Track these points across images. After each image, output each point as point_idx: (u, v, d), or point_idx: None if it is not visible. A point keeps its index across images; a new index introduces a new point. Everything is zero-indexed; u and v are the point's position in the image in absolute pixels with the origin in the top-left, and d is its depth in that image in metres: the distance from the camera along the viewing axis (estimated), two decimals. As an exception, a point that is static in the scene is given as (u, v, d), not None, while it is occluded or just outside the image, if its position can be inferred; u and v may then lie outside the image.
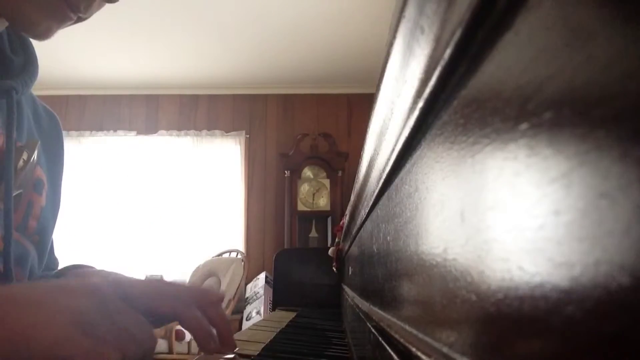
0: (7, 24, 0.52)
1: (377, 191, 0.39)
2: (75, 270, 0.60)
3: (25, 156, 0.54)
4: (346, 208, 1.10)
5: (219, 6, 2.65)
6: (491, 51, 0.13)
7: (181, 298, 0.42)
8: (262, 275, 3.20)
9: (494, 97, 0.13)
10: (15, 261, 0.51)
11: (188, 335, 2.51)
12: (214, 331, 0.44)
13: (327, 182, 3.38)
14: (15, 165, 0.52)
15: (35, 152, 0.56)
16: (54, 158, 0.64)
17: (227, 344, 0.44)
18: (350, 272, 0.96)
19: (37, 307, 0.33)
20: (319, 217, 3.39)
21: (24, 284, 0.37)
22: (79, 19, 0.49)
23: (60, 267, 0.69)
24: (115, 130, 3.69)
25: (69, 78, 3.50)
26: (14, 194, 0.51)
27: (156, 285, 0.43)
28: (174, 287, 0.44)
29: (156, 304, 0.41)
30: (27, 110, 0.58)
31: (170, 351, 2.46)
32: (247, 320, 2.97)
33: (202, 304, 0.44)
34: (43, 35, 0.47)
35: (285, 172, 3.41)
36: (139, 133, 3.69)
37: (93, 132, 3.67)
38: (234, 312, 2.92)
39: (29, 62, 0.57)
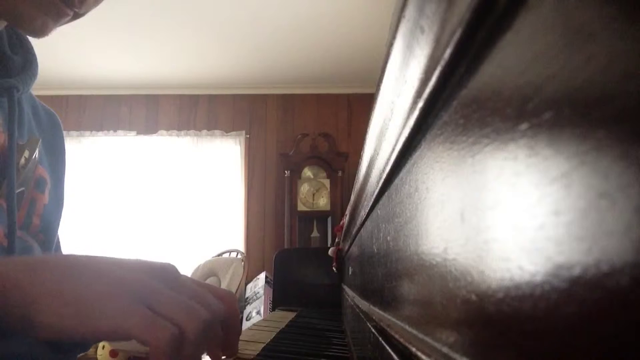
0: (5, 23, 0.52)
1: (377, 191, 0.39)
2: None
3: (26, 154, 0.54)
4: (346, 208, 1.10)
5: (219, 6, 2.65)
6: (491, 51, 0.13)
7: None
8: (262, 275, 3.20)
9: (494, 97, 0.13)
10: None
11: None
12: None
13: (327, 182, 3.38)
14: (17, 163, 0.52)
15: (37, 151, 0.56)
16: (56, 156, 0.64)
17: (230, 347, 0.44)
18: (350, 272, 0.96)
19: (97, 277, 0.33)
20: (319, 217, 3.39)
21: (78, 254, 0.37)
22: (76, 15, 0.49)
23: None
24: (115, 130, 3.69)
25: (69, 78, 3.50)
26: (16, 192, 0.51)
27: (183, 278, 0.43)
28: (202, 285, 0.43)
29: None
30: (27, 109, 0.59)
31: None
32: (247, 320, 2.97)
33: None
34: (39, 31, 0.47)
35: (285, 172, 3.41)
36: (139, 133, 3.69)
37: (93, 132, 3.67)
38: (234, 312, 2.91)
39: (29, 62, 0.57)
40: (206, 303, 0.37)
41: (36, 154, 0.56)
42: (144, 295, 0.33)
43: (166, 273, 0.37)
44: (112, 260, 0.36)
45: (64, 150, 0.67)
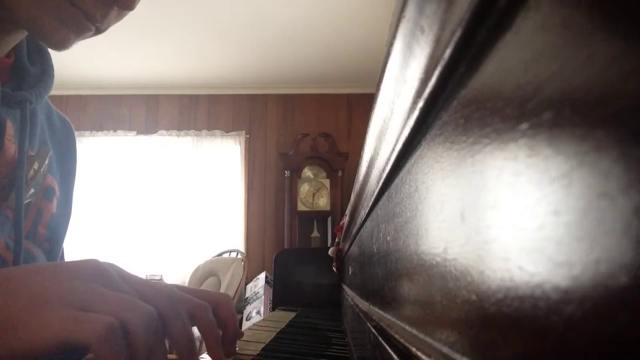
0: (26, 33, 0.53)
1: (377, 191, 0.39)
2: None
3: (36, 166, 0.55)
4: (346, 208, 1.10)
5: (219, 6, 2.65)
6: (491, 51, 0.13)
7: (198, 300, 0.41)
8: (262, 275, 3.20)
9: (494, 97, 0.13)
10: None
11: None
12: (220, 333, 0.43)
13: (327, 182, 3.38)
14: (26, 175, 0.52)
15: (46, 161, 0.56)
16: (67, 166, 0.64)
17: (227, 348, 0.44)
18: (350, 272, 0.96)
19: (18, 290, 0.31)
20: (319, 217, 3.39)
21: (6, 268, 0.35)
22: (98, 31, 0.49)
23: None
24: (115, 130, 3.69)
25: (69, 78, 3.50)
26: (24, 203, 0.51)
27: (173, 288, 0.42)
28: (190, 290, 0.43)
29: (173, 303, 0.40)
30: (41, 118, 0.59)
31: (170, 351, 2.46)
32: (247, 320, 2.97)
33: (215, 305, 0.43)
34: (60, 44, 0.47)
35: (285, 172, 3.41)
36: (139, 133, 3.69)
37: (93, 132, 3.67)
38: (234, 312, 2.91)
39: (46, 73, 0.58)
40: (148, 298, 0.35)
41: (46, 163, 0.56)
42: (73, 298, 0.31)
43: (102, 272, 0.35)
44: (40, 268, 0.34)
45: (76, 159, 0.67)
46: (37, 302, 0.30)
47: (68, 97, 3.68)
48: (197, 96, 3.75)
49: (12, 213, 0.51)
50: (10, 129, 0.51)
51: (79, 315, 0.30)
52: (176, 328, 0.36)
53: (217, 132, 3.67)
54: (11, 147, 0.51)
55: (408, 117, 0.22)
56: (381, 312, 0.38)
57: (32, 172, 0.54)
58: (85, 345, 0.29)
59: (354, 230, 0.76)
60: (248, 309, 3.08)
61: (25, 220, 0.52)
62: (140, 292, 0.36)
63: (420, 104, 0.20)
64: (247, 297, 3.17)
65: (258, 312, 2.95)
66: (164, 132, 3.69)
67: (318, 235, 3.39)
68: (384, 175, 0.33)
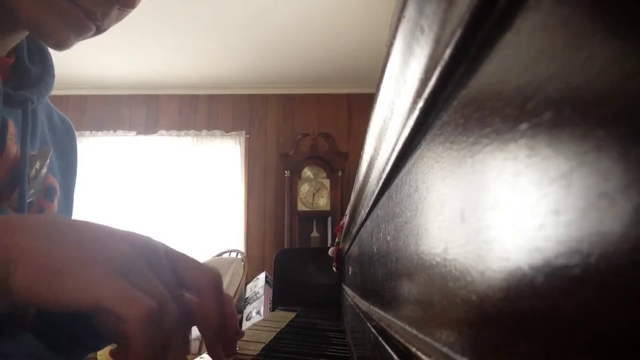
0: (27, 33, 0.53)
1: (377, 191, 0.39)
2: None
3: (37, 165, 0.55)
4: (346, 208, 1.10)
5: (219, 6, 2.65)
6: (491, 51, 0.13)
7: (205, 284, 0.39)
8: (262, 275, 3.20)
9: (494, 97, 0.13)
10: None
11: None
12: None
13: (327, 182, 3.38)
14: (28, 175, 0.52)
15: (47, 161, 0.56)
16: (67, 166, 0.65)
17: (228, 348, 0.44)
18: (350, 272, 0.96)
19: (76, 241, 0.30)
20: (319, 217, 3.39)
21: (66, 217, 0.34)
22: (98, 30, 0.49)
23: None
24: (115, 130, 3.69)
25: (69, 78, 3.50)
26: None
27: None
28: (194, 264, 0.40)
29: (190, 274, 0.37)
30: (42, 118, 0.59)
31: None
32: (247, 320, 2.97)
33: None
34: (61, 44, 0.47)
35: (285, 172, 3.41)
36: (139, 133, 3.69)
37: (93, 132, 3.67)
38: (234, 312, 2.91)
39: (46, 73, 0.58)
40: (189, 284, 0.35)
41: (47, 163, 0.56)
42: (124, 268, 0.30)
43: (152, 251, 0.34)
44: (100, 226, 0.33)
45: (76, 159, 0.68)
46: (91, 258, 0.30)
47: (68, 97, 3.68)
48: (197, 96, 3.75)
49: (14, 212, 0.51)
50: (12, 129, 0.51)
51: (128, 290, 0.29)
52: (209, 320, 0.36)
53: (217, 132, 3.67)
54: (13, 147, 0.51)
55: (408, 117, 0.22)
56: (381, 312, 0.38)
57: (33, 172, 0.54)
58: (121, 319, 0.29)
59: (354, 230, 0.76)
60: (248, 309, 3.08)
61: None
62: (181, 278, 0.35)
63: (420, 104, 0.20)
64: (247, 297, 3.17)
65: (258, 312, 2.95)
66: (164, 132, 3.69)
67: (317, 235, 3.39)
68: (384, 175, 0.33)
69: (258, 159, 3.68)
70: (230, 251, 3.18)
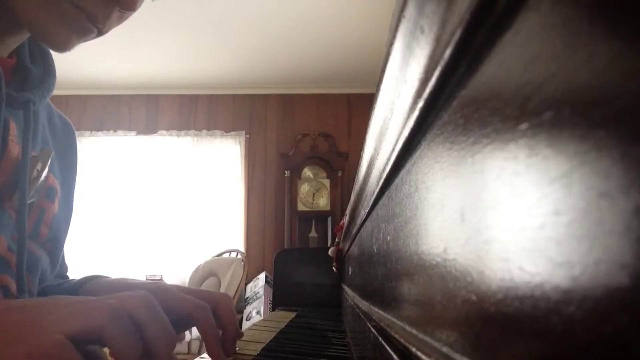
0: (28, 34, 0.53)
1: (377, 191, 0.39)
2: (97, 280, 0.57)
3: (39, 166, 0.55)
4: (346, 208, 1.10)
5: (219, 6, 2.65)
6: (491, 51, 0.13)
7: (198, 301, 0.41)
8: (262, 275, 3.20)
9: (494, 97, 0.13)
10: (26, 268, 0.51)
11: (187, 336, 2.50)
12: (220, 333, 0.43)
13: (327, 182, 3.38)
14: (30, 175, 0.52)
15: (49, 162, 0.57)
16: (68, 166, 0.65)
17: (227, 348, 0.44)
18: (350, 272, 0.96)
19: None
20: (319, 217, 3.39)
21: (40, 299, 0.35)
22: (99, 33, 0.49)
23: (68, 272, 0.69)
24: (115, 130, 3.69)
25: (69, 78, 3.50)
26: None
27: (174, 289, 0.42)
28: (191, 291, 0.43)
29: (176, 304, 0.40)
30: (42, 119, 0.59)
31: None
32: (247, 320, 2.97)
33: (215, 305, 0.43)
34: (62, 46, 0.47)
35: (285, 172, 3.41)
36: (139, 133, 3.69)
37: (93, 132, 3.67)
38: (234, 312, 2.91)
39: (48, 74, 0.58)
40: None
41: (48, 164, 0.56)
42: (70, 307, 0.32)
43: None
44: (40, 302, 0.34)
45: (76, 160, 0.68)
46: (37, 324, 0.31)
47: (68, 97, 3.68)
48: (197, 96, 3.75)
49: (15, 213, 0.51)
50: (13, 129, 0.51)
51: (81, 307, 0.31)
52: (207, 325, 0.39)
53: (217, 132, 3.67)
54: (15, 148, 0.51)
55: (408, 117, 0.22)
56: (381, 312, 0.38)
57: (35, 172, 0.54)
58: (95, 330, 0.30)
59: (354, 230, 0.76)
60: (248, 309, 3.08)
61: (27, 220, 0.52)
62: (166, 306, 0.37)
63: (420, 104, 0.20)
64: (247, 297, 3.17)
65: (258, 312, 2.95)
66: (164, 132, 3.69)
67: (316, 235, 3.39)
68: (384, 175, 0.33)
69: (258, 159, 3.68)
70: (230, 251, 3.18)
